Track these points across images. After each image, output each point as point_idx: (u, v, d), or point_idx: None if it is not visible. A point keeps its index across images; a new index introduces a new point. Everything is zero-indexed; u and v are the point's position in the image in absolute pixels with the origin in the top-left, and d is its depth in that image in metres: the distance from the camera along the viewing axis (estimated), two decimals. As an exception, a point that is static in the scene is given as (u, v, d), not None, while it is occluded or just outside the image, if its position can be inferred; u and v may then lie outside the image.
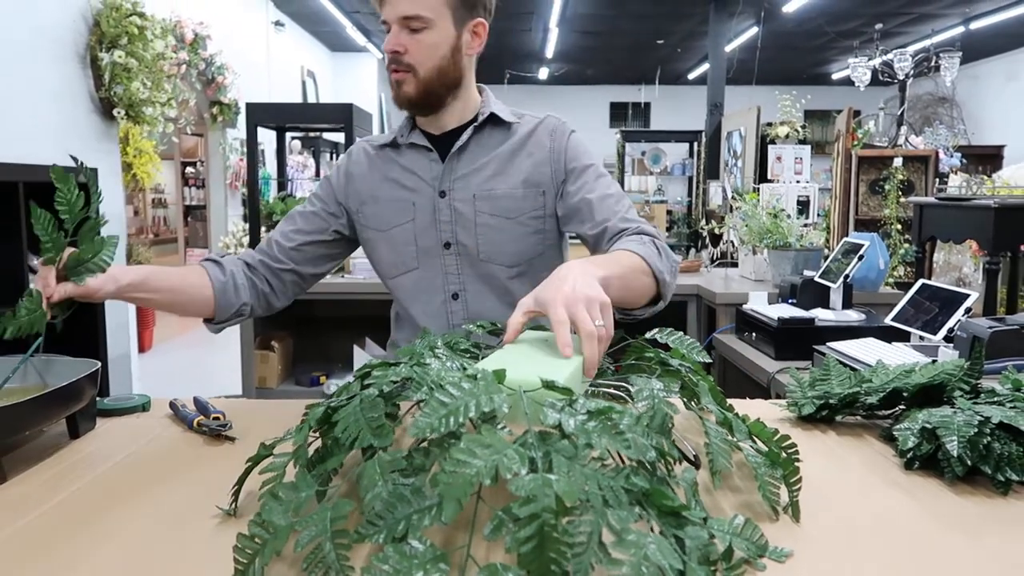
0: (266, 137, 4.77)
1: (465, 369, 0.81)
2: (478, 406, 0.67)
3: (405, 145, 1.36)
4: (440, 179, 1.33)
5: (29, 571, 0.67)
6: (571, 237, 1.43)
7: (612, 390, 0.92)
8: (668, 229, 9.16)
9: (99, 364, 1.05)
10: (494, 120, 1.35)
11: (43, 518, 0.78)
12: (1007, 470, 0.84)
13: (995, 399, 0.96)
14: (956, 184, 3.21)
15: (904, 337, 1.96)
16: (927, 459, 0.90)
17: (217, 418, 1.06)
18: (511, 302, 1.32)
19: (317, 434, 0.80)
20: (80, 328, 2.73)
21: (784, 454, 0.82)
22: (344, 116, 3.74)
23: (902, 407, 1.06)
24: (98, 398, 1.10)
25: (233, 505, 0.78)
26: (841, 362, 1.49)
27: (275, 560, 0.64)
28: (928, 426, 0.90)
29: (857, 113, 5.54)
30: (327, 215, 1.40)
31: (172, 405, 1.14)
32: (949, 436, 0.86)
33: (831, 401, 1.08)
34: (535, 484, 0.56)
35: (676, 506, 0.64)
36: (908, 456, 0.91)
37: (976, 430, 0.86)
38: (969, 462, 0.85)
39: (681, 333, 1.06)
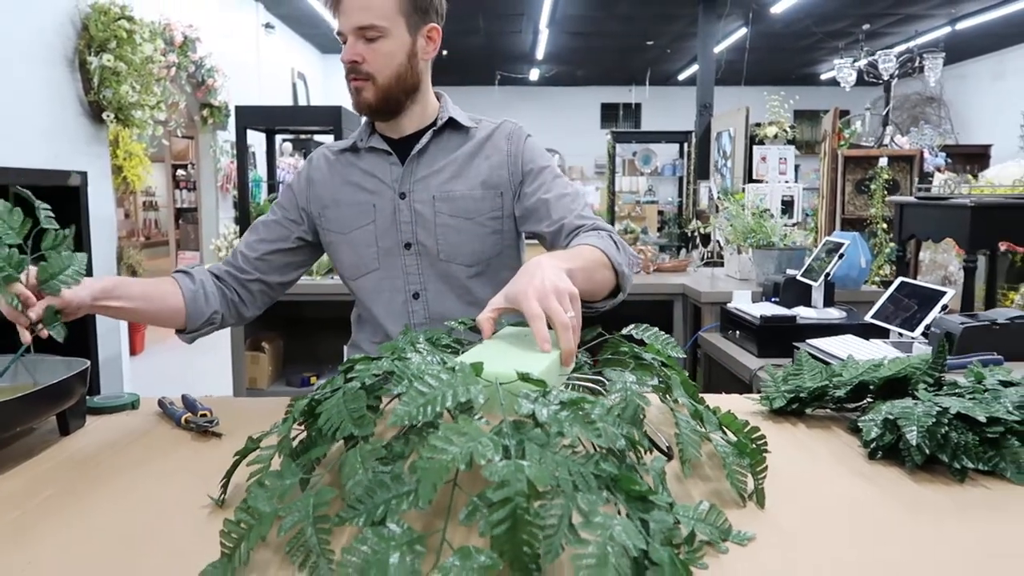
0: (256, 139, 4.79)
1: (445, 363, 0.84)
2: (455, 396, 0.70)
3: (365, 149, 1.40)
4: (400, 181, 1.36)
5: (21, 562, 0.69)
6: (527, 237, 1.47)
7: (588, 383, 0.95)
8: (659, 229, 9.20)
9: (88, 363, 1.08)
10: (453, 124, 1.39)
11: (35, 511, 0.80)
12: (963, 458, 0.88)
13: (956, 391, 1.00)
14: (939, 183, 3.25)
15: (884, 334, 2.00)
16: (889, 449, 0.93)
17: (204, 415, 1.09)
18: (470, 301, 1.37)
19: (303, 426, 0.83)
20: (71, 331, 2.74)
21: (752, 444, 0.85)
22: (333, 118, 3.77)
23: (869, 400, 1.10)
24: (88, 397, 1.13)
25: (222, 496, 0.81)
26: (817, 358, 1.52)
27: (260, 546, 0.67)
28: (890, 417, 0.93)
29: (845, 113, 5.60)
30: (289, 222, 1.43)
31: (160, 403, 1.17)
32: (909, 426, 0.89)
33: (801, 395, 1.11)
34: (508, 470, 0.59)
35: (643, 491, 0.66)
36: (871, 446, 0.94)
37: (935, 420, 0.89)
38: (928, 451, 0.88)
39: (656, 329, 1.10)
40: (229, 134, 7.14)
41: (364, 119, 1.41)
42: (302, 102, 9.97)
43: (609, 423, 0.72)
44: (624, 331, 1.09)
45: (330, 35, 10.02)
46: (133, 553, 0.71)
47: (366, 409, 0.77)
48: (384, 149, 1.38)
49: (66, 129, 3.25)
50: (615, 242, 1.25)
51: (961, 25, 9.01)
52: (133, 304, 1.19)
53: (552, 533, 0.58)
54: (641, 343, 1.07)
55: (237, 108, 3.82)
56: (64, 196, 2.72)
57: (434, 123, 1.38)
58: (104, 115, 3.27)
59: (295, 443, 0.81)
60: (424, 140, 1.36)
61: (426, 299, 1.38)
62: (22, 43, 3.01)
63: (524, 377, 0.76)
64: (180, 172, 9.33)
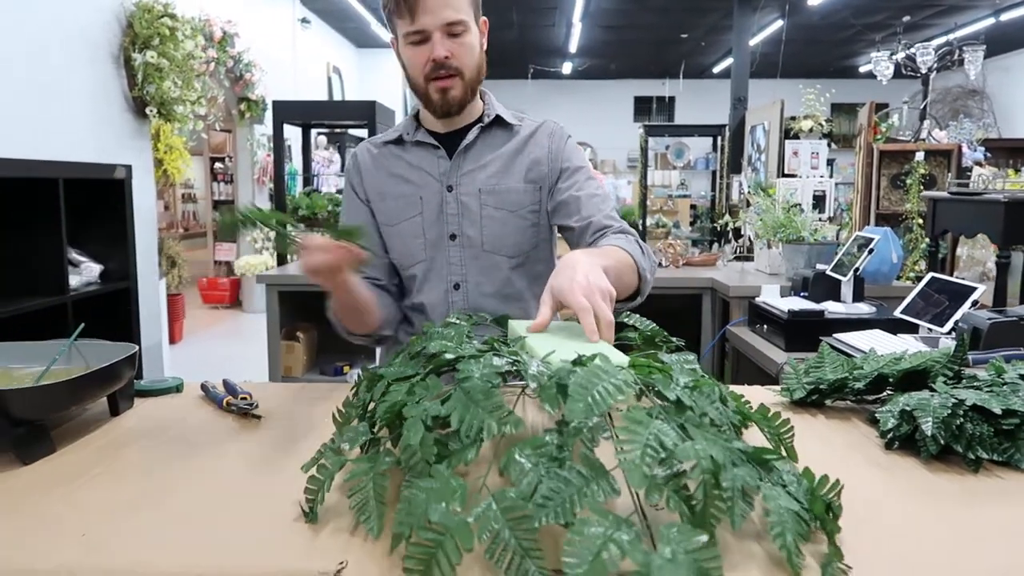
0: (292, 133, 4.88)
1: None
2: (617, 388, 0.71)
3: (411, 143, 1.44)
4: (448, 174, 1.41)
5: (76, 532, 0.75)
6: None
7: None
8: (692, 223, 9.16)
9: (136, 348, 1.14)
10: (499, 121, 1.44)
11: (89, 484, 0.86)
12: (978, 449, 0.89)
13: (974, 384, 1.01)
14: (975, 178, 3.21)
15: (913, 329, 2.00)
16: (905, 439, 0.95)
17: (245, 398, 1.14)
18: (508, 292, 1.42)
19: (378, 428, 0.83)
20: (116, 318, 2.85)
21: (779, 436, 0.88)
22: (367, 113, 3.83)
23: (888, 392, 1.11)
24: (135, 380, 1.19)
25: (313, 515, 0.76)
26: (840, 351, 1.53)
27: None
28: (907, 408, 0.95)
29: (883, 107, 5.52)
30: (365, 213, 1.47)
31: (203, 387, 1.23)
32: (925, 417, 0.91)
33: (822, 387, 1.14)
34: (695, 451, 0.65)
35: (775, 459, 0.73)
36: (888, 436, 0.96)
37: (950, 412, 0.91)
38: (943, 441, 0.90)
39: (638, 316, 1.13)
40: (266, 128, 7.26)
41: (412, 112, 1.47)
42: (336, 96, 10.09)
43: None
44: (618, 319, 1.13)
45: (365, 30, 10.12)
46: (182, 525, 0.76)
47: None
48: (431, 143, 1.42)
49: (111, 124, 3.36)
50: (640, 247, 1.30)
51: (1005, 16, 8.80)
52: (360, 297, 1.30)
53: (732, 503, 0.65)
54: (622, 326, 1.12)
55: (274, 103, 3.91)
56: (109, 189, 2.83)
57: (480, 119, 1.43)
58: (147, 110, 3.37)
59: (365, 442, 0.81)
60: (472, 135, 1.41)
61: (466, 290, 1.43)
62: (69, 41, 3.11)
63: (637, 364, 0.80)
64: (218, 165, 9.50)
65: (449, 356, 0.83)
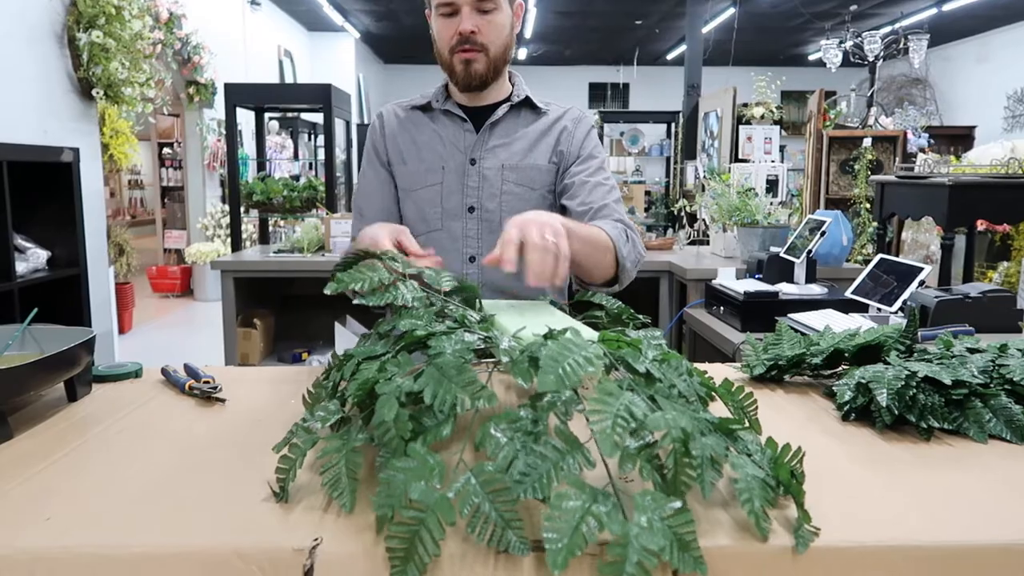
0: (243, 118, 4.78)
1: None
2: (588, 360, 0.72)
3: (440, 111, 1.46)
4: (472, 147, 1.44)
5: (40, 517, 0.73)
6: None
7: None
8: (646, 209, 9.25)
9: (94, 332, 1.11)
10: (528, 103, 1.48)
11: (51, 470, 0.84)
12: (930, 418, 0.93)
13: (925, 357, 1.06)
14: (920, 163, 3.31)
15: (863, 309, 2.06)
16: (861, 411, 0.99)
17: (208, 382, 1.12)
18: (521, 269, 1.42)
19: (349, 407, 0.83)
20: (65, 306, 2.77)
21: (742, 409, 0.90)
22: (323, 96, 3.78)
23: (844, 367, 1.15)
24: (93, 365, 1.16)
25: (284, 494, 0.75)
26: (796, 330, 1.58)
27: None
28: (862, 381, 0.99)
29: (831, 94, 5.64)
30: (386, 177, 1.48)
31: (164, 371, 1.21)
32: (880, 389, 0.95)
33: (780, 363, 1.17)
34: (665, 421, 0.67)
35: (739, 430, 0.76)
36: (844, 408, 1.00)
37: (903, 383, 0.95)
38: (897, 412, 0.93)
39: (603, 295, 1.16)
40: (215, 112, 7.10)
41: (442, 82, 1.48)
42: (288, 80, 9.91)
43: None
44: (578, 298, 1.16)
45: (317, 12, 9.95)
46: (150, 507, 0.75)
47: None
48: (459, 115, 1.45)
49: (55, 106, 3.25)
50: (628, 236, 1.34)
51: (947, 7, 9.06)
52: None
53: (701, 472, 0.67)
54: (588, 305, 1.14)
55: (226, 86, 3.82)
56: (56, 172, 2.74)
57: (509, 98, 1.46)
58: (94, 92, 3.26)
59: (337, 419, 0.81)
60: (500, 112, 1.44)
61: (480, 263, 1.44)
62: (10, 18, 2.99)
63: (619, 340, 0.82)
64: (166, 150, 9.26)
65: (420, 333, 0.83)
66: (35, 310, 1.18)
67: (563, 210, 1.47)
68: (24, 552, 0.67)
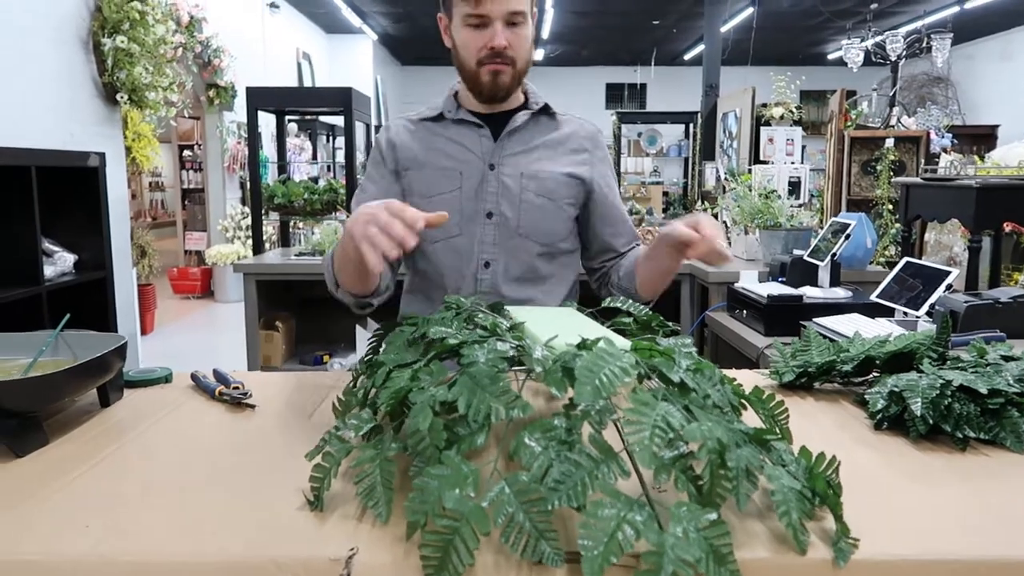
0: (263, 120, 4.81)
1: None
2: (624, 371, 0.72)
3: (452, 120, 1.46)
4: (491, 153, 1.43)
5: (80, 524, 0.74)
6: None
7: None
8: (664, 210, 9.23)
9: (125, 338, 1.12)
10: (546, 110, 1.48)
11: (90, 473, 0.85)
12: (965, 428, 0.92)
13: (959, 365, 1.04)
14: (945, 164, 3.27)
15: (889, 313, 2.04)
16: (894, 420, 0.98)
17: (237, 387, 1.13)
18: (532, 277, 1.46)
19: (379, 415, 0.83)
20: (91, 309, 2.80)
21: (773, 419, 0.90)
22: (343, 100, 3.80)
23: (875, 374, 1.14)
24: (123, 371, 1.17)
25: (319, 503, 0.76)
26: (824, 336, 1.56)
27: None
28: (896, 389, 0.98)
29: (852, 94, 5.59)
30: (390, 184, 1.46)
31: (193, 376, 1.22)
32: (914, 398, 0.94)
33: (810, 369, 1.16)
34: (701, 431, 0.67)
35: (773, 440, 0.75)
36: (877, 417, 0.99)
37: (938, 392, 0.94)
38: (931, 421, 0.92)
39: (631, 302, 1.16)
40: (235, 114, 7.15)
41: (450, 91, 1.48)
42: (307, 82, 9.97)
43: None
44: (605, 304, 1.16)
45: (335, 15, 10.00)
46: (186, 515, 0.76)
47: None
48: (475, 121, 1.44)
49: (81, 110, 3.29)
50: None
51: (970, 4, 8.95)
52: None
53: (737, 483, 0.66)
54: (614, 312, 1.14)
55: (248, 90, 3.85)
56: (83, 177, 2.77)
57: (525, 104, 1.47)
58: (118, 96, 3.30)
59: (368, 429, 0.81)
60: (522, 119, 1.44)
61: (496, 269, 1.44)
62: (37, 24, 3.03)
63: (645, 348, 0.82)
64: (186, 153, 9.35)
65: (452, 342, 0.83)
66: (67, 316, 1.19)
67: (598, 240, 1.53)
68: (65, 559, 0.68)
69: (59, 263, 2.72)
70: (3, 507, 0.77)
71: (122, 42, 3.17)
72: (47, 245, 2.69)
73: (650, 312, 1.10)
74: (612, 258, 1.54)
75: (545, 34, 11.59)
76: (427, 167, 1.45)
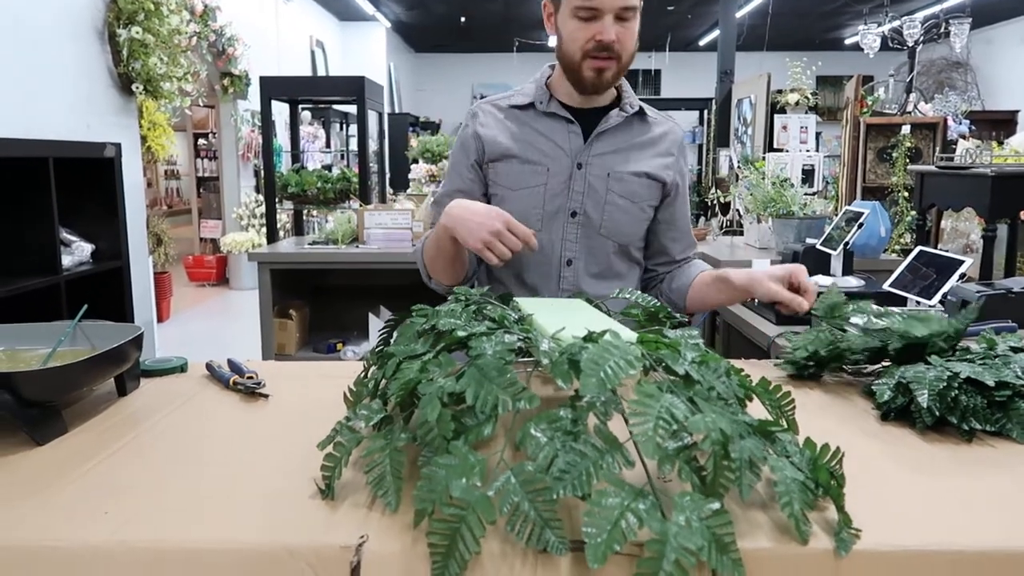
0: (277, 109, 4.83)
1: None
2: (628, 363, 0.73)
3: (543, 112, 1.44)
4: (580, 152, 1.42)
5: (99, 511, 0.76)
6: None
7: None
8: (678, 197, 9.19)
9: (142, 329, 1.14)
10: (639, 112, 1.47)
11: (108, 461, 0.88)
12: (972, 420, 0.92)
13: (967, 357, 1.04)
14: (961, 152, 3.24)
15: (902, 302, 2.03)
16: (901, 411, 0.98)
17: (251, 377, 1.15)
18: (608, 274, 1.47)
19: (390, 406, 0.84)
20: (108, 298, 2.84)
21: (780, 409, 0.90)
22: (356, 88, 3.81)
23: (885, 364, 1.14)
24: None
25: (330, 492, 0.77)
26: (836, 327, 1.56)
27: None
28: (903, 381, 0.98)
29: (868, 79, 5.54)
30: (471, 183, 1.48)
31: (208, 366, 1.24)
32: (920, 389, 0.94)
33: (821, 353, 1.16)
34: (705, 423, 0.68)
35: (777, 431, 0.76)
36: (884, 408, 0.99)
37: (945, 384, 0.94)
38: (938, 413, 0.93)
39: (639, 292, 1.17)
40: (249, 103, 7.17)
41: (542, 78, 1.47)
42: (320, 71, 9.97)
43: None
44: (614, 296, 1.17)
45: (348, 2, 9.98)
46: (202, 503, 0.78)
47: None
48: (567, 117, 1.43)
49: (97, 101, 3.32)
50: None
51: (990, -13, 8.81)
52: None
53: (740, 474, 0.67)
54: None
55: (262, 79, 3.87)
56: (99, 167, 2.80)
57: (618, 102, 1.45)
58: (133, 87, 3.33)
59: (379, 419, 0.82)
60: (615, 119, 1.43)
61: (577, 267, 1.45)
62: (53, 16, 3.06)
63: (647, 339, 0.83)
64: (201, 141, 9.40)
65: (460, 334, 0.84)
66: (85, 307, 1.21)
67: (658, 242, 1.54)
68: (85, 545, 0.70)
69: (76, 253, 2.75)
70: (24, 494, 0.79)
71: (137, 33, 3.19)
72: (65, 235, 2.72)
73: (657, 304, 1.11)
74: (665, 262, 1.55)
75: (558, 20, 11.50)
76: (515, 159, 1.43)
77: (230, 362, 1.23)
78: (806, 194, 3.03)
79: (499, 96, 1.50)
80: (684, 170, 1.52)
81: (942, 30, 5.05)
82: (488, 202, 1.45)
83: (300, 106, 5.77)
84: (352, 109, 5.19)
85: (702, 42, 13.09)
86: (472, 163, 1.47)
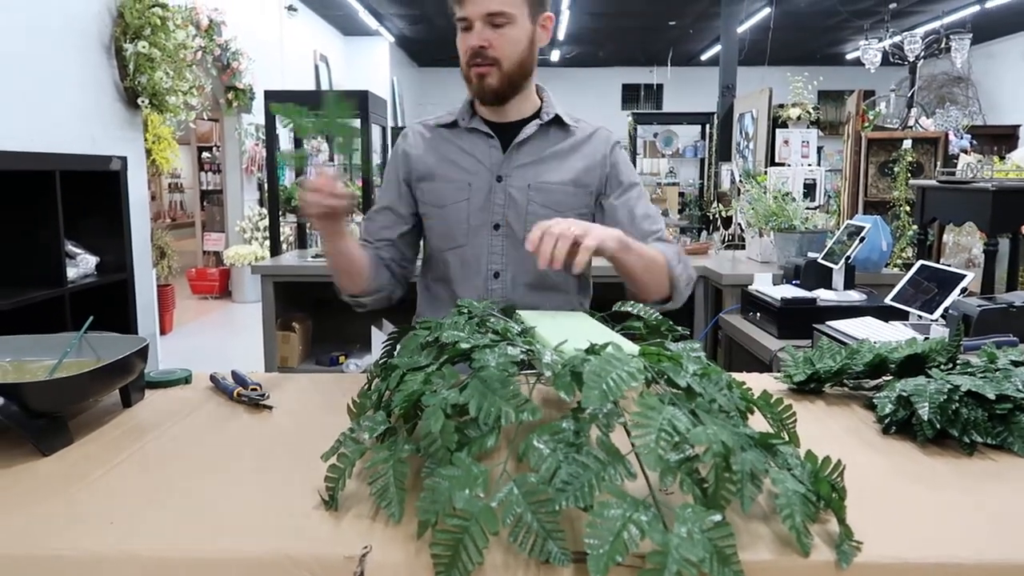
0: (280, 122, 4.86)
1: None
2: (631, 375, 0.74)
3: (465, 129, 1.47)
4: (500, 165, 1.44)
5: (102, 520, 0.77)
6: None
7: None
8: (680, 211, 9.21)
9: (147, 341, 1.15)
10: (557, 121, 1.47)
11: (113, 471, 0.88)
12: (973, 433, 0.93)
13: (968, 370, 1.05)
14: (963, 166, 3.25)
15: (903, 316, 2.04)
16: (902, 424, 0.99)
17: (255, 389, 1.16)
18: (542, 285, 1.47)
19: (393, 418, 0.85)
20: (112, 310, 2.85)
21: (781, 423, 0.91)
22: (360, 103, 3.82)
23: (886, 378, 1.15)
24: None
25: (334, 503, 0.78)
26: (836, 339, 1.56)
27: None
28: (904, 394, 0.98)
29: (870, 94, 5.56)
30: (398, 202, 1.51)
31: (212, 378, 1.24)
32: (921, 402, 0.95)
33: (821, 371, 1.17)
34: (707, 435, 0.68)
35: (779, 444, 0.76)
36: (885, 421, 0.99)
37: (946, 397, 0.94)
38: (939, 426, 0.93)
39: (641, 305, 1.17)
40: (253, 116, 7.21)
41: (466, 100, 1.48)
42: (324, 85, 10.03)
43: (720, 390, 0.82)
44: (616, 307, 1.17)
45: (352, 17, 10.05)
46: (206, 513, 0.78)
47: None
48: (486, 132, 1.45)
49: (102, 115, 3.34)
50: (679, 257, 1.38)
51: (990, 3, 8.85)
52: (353, 255, 1.38)
53: (742, 486, 0.68)
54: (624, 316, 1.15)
55: (266, 93, 3.89)
56: (105, 180, 2.82)
57: (537, 114, 1.46)
58: (139, 101, 3.35)
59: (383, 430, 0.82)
60: (530, 130, 1.44)
61: (505, 279, 1.46)
62: (60, 30, 3.09)
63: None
64: (205, 154, 9.45)
65: (464, 346, 0.85)
66: (91, 318, 1.22)
67: None
68: (90, 554, 0.70)
69: (82, 265, 2.77)
70: (30, 504, 0.80)
71: (143, 47, 3.23)
72: (70, 247, 2.74)
73: (660, 317, 1.11)
74: None
75: (561, 35, 11.59)
76: (438, 179, 1.46)
77: (234, 374, 1.24)
78: (808, 208, 3.04)
79: (431, 117, 1.54)
80: (620, 164, 1.48)
81: (943, 45, 5.08)
82: (417, 220, 1.52)
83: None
84: (355, 123, 5.22)
85: (704, 57, 13.16)
86: (401, 180, 1.51)
